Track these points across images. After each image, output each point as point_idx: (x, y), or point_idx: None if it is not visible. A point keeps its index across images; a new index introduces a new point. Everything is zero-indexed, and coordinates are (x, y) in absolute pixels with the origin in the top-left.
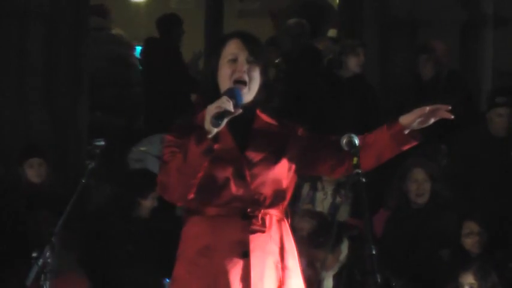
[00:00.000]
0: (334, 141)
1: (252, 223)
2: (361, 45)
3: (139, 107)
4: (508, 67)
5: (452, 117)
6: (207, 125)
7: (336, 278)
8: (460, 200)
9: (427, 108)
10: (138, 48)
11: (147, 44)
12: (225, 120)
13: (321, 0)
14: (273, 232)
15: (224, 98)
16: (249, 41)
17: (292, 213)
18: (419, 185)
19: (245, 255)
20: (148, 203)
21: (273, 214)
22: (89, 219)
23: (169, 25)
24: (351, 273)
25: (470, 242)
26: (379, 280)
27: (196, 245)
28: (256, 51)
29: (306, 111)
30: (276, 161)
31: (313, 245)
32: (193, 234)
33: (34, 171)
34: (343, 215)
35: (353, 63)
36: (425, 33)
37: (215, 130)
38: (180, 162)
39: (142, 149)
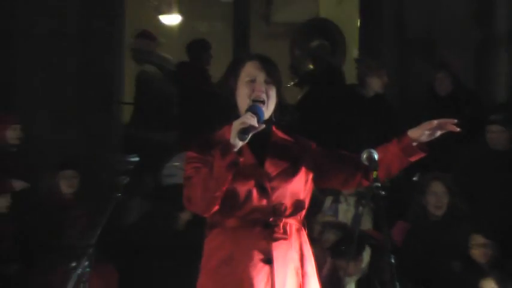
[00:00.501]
0: (346, 156)
1: (275, 231)
2: (384, 67)
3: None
4: None
5: (459, 129)
6: (233, 139)
7: (359, 283)
8: (470, 212)
9: (435, 122)
10: None
11: (179, 68)
12: (250, 135)
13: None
14: (293, 240)
15: (248, 114)
16: (266, 63)
17: (314, 225)
18: (438, 197)
19: (268, 262)
20: (185, 216)
21: (292, 223)
22: (126, 232)
23: (199, 50)
24: (371, 282)
25: (478, 253)
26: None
27: (219, 256)
28: (273, 72)
29: (328, 128)
30: (293, 173)
31: (335, 254)
32: (216, 245)
33: (67, 183)
34: (365, 225)
35: (376, 85)
36: (441, 51)
37: (240, 144)
38: (205, 176)
39: (175, 164)
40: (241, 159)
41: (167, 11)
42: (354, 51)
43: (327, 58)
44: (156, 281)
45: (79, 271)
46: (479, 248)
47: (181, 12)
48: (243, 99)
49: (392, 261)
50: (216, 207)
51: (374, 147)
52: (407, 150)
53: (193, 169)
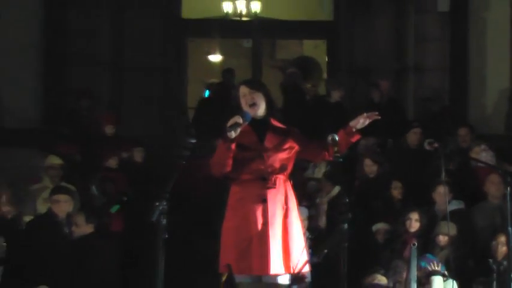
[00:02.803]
0: (317, 141)
1: (268, 183)
2: (341, 85)
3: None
4: (423, 95)
5: (380, 117)
6: (229, 133)
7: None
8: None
9: (364, 114)
10: (207, 92)
11: (218, 85)
12: (238, 129)
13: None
14: (281, 188)
15: (237, 116)
16: (249, 83)
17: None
18: (369, 167)
19: (264, 201)
20: None
21: (281, 177)
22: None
23: (227, 74)
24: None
25: (396, 192)
26: (350, 216)
27: (235, 197)
28: (255, 86)
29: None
30: (281, 147)
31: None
32: (234, 191)
33: (139, 155)
34: None
35: (336, 95)
36: (375, 76)
37: (233, 135)
38: (217, 153)
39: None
40: (247, 140)
41: (213, 53)
42: (324, 76)
43: (296, 80)
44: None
45: (160, 207)
46: (397, 189)
47: (221, 53)
48: (244, 107)
49: (347, 200)
50: (226, 171)
51: (335, 133)
52: (349, 134)
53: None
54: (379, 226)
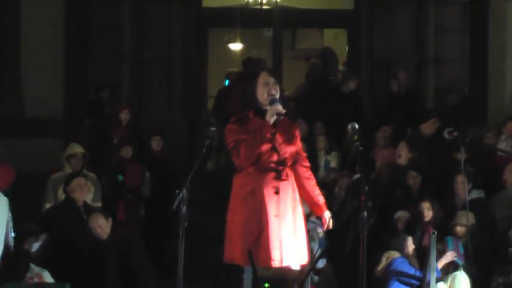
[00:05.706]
0: (300, 146)
1: (281, 175)
2: (356, 75)
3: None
4: (443, 86)
5: None
6: (269, 118)
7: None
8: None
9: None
10: (227, 81)
11: (238, 74)
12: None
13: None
14: (291, 180)
15: (278, 104)
16: (272, 72)
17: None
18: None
19: (277, 193)
20: None
21: (290, 170)
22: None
23: (248, 63)
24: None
25: (412, 181)
26: (370, 204)
27: (246, 190)
28: (277, 77)
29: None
30: (292, 141)
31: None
32: (243, 183)
33: (156, 144)
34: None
35: (351, 85)
36: (395, 67)
37: (272, 121)
38: (249, 141)
39: None
40: (264, 130)
41: (233, 41)
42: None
43: (319, 71)
44: None
45: (180, 195)
46: (412, 178)
47: (242, 42)
48: (262, 96)
49: (367, 188)
50: (252, 159)
51: (352, 121)
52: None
53: (236, 137)
54: (400, 214)
